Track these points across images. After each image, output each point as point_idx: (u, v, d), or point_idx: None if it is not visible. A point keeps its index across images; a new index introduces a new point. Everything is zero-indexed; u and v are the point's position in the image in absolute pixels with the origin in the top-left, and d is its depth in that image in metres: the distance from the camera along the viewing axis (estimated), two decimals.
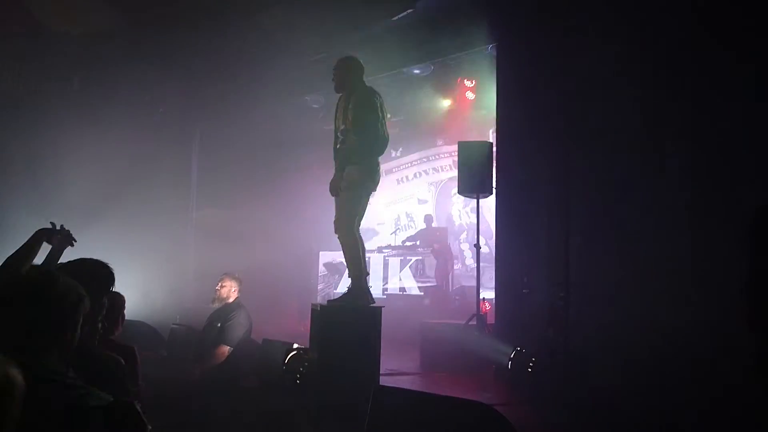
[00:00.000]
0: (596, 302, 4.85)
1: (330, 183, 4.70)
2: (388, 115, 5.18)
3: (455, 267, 10.69)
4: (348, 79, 4.80)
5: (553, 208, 5.34)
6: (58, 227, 3.05)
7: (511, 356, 5.45)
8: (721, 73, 3.93)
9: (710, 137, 3.87)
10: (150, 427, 1.73)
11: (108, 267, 2.61)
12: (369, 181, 4.67)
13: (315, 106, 9.61)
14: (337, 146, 4.77)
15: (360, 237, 4.71)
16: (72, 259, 2.63)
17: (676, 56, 4.29)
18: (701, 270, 3.69)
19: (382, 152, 4.74)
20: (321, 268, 11.04)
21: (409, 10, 7.12)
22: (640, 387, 4.15)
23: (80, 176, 7.98)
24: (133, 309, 3.72)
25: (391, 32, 7.40)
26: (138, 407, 1.76)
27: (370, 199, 4.77)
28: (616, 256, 4.70)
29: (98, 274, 2.55)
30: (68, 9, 8.13)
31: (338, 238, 4.70)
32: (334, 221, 4.70)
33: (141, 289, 7.27)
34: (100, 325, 2.54)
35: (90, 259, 2.58)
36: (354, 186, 4.61)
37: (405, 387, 4.79)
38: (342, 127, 4.73)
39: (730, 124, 3.70)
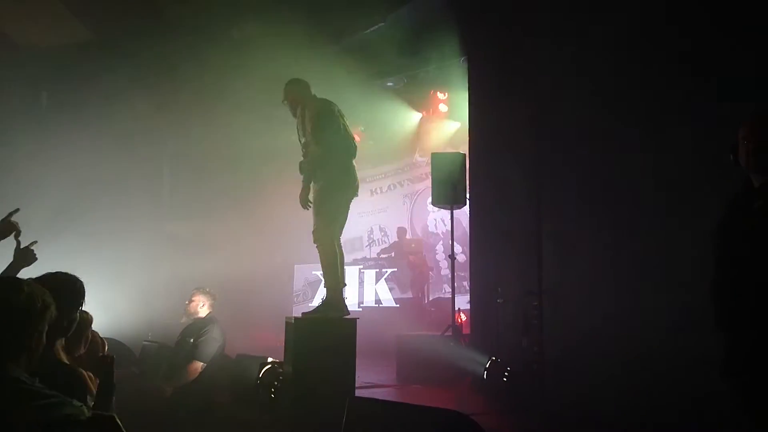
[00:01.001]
0: (570, 310, 4.89)
1: (299, 196, 4.70)
2: (361, 128, 5.21)
3: (431, 277, 10.71)
4: (298, 97, 4.87)
5: (526, 217, 5.39)
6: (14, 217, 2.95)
7: (487, 366, 5.46)
8: (694, 71, 4.00)
9: (682, 140, 3.94)
10: None
11: (80, 281, 2.57)
12: (344, 187, 4.66)
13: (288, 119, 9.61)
14: (303, 159, 4.79)
15: (340, 247, 4.68)
16: (42, 272, 2.57)
17: (649, 57, 4.37)
18: (676, 273, 3.74)
19: (351, 155, 4.74)
20: (298, 282, 10.96)
21: (380, 24, 7.17)
22: (615, 393, 4.18)
23: (49, 190, 7.84)
24: (103, 325, 3.64)
25: (364, 46, 7.45)
26: (118, 420, 1.75)
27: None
28: (589, 262, 4.75)
29: (70, 288, 2.50)
30: (35, 22, 8.01)
31: (317, 247, 4.66)
32: (313, 231, 4.67)
33: (112, 305, 7.13)
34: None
35: (62, 272, 2.54)
36: (329, 194, 4.60)
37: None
38: (304, 140, 4.77)
39: (704, 123, 3.76)
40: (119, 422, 1.81)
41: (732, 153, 2.63)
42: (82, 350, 3.21)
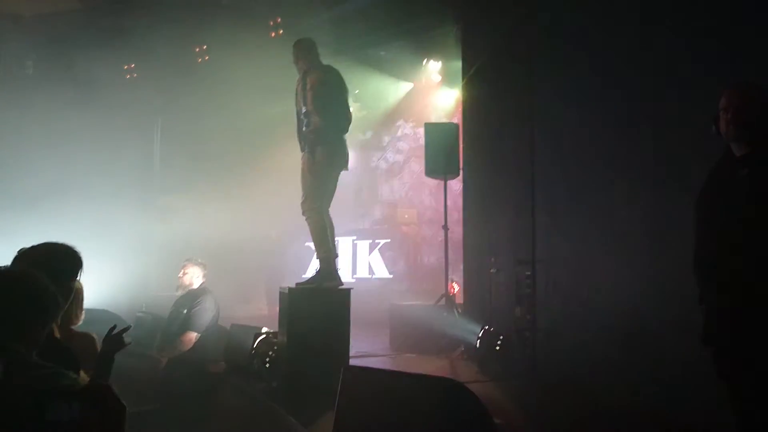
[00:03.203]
0: (563, 279, 4.92)
1: (302, 166, 4.67)
2: (356, 91, 5.16)
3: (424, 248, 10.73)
4: (302, 59, 4.80)
5: (519, 187, 5.38)
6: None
7: (480, 335, 5.51)
8: (689, 59, 3.97)
9: (677, 112, 3.92)
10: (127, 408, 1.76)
11: (76, 252, 2.53)
12: (336, 160, 4.64)
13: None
14: (302, 129, 4.73)
15: (329, 218, 4.68)
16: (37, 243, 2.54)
17: (649, 34, 4.32)
18: (668, 243, 3.75)
19: (345, 130, 4.71)
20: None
21: None
22: (607, 361, 4.22)
23: (38, 162, 7.76)
24: (97, 297, 3.64)
25: (356, 13, 7.33)
26: (114, 389, 1.77)
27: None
28: (583, 232, 4.75)
29: (67, 259, 2.47)
30: None
31: (306, 219, 4.66)
32: (301, 203, 4.66)
33: (105, 277, 7.12)
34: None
35: (59, 243, 2.50)
36: (319, 166, 4.58)
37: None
38: (303, 109, 4.70)
39: (691, 105, 3.74)
40: (115, 391, 1.82)
41: (714, 124, 2.65)
42: (80, 320, 3.21)
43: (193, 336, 5.18)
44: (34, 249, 2.45)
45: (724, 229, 2.55)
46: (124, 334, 2.55)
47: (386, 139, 11.98)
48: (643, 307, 4.00)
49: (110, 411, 1.77)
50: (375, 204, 11.80)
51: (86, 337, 3.10)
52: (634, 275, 4.18)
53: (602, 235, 4.56)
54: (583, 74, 4.70)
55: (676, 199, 3.32)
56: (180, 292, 5.60)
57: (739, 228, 2.49)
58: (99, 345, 3.03)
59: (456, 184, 7.74)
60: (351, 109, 4.82)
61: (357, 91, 9.57)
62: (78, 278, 2.54)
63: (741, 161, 2.55)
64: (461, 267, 7.29)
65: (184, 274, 5.59)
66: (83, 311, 3.25)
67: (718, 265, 2.57)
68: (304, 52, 4.81)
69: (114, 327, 2.54)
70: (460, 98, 7.60)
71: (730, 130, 2.56)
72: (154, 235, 9.35)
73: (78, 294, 3.22)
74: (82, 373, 2.36)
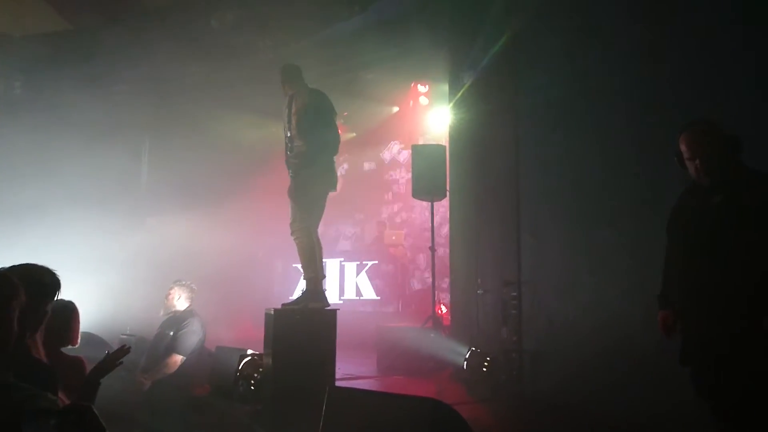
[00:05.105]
0: (548, 300, 4.94)
1: (288, 191, 4.70)
2: (345, 114, 5.22)
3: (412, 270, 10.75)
4: (288, 84, 4.86)
5: (505, 209, 5.42)
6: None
7: (467, 357, 5.50)
8: (672, 59, 4.05)
9: (658, 131, 3.98)
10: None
11: (54, 273, 2.50)
12: (324, 182, 4.67)
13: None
14: (288, 153, 4.77)
15: (318, 239, 4.69)
16: (16, 263, 2.52)
17: (627, 46, 4.40)
18: (652, 263, 3.78)
19: (334, 152, 4.75)
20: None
21: (362, 14, 7.14)
22: (593, 382, 4.23)
23: (23, 181, 7.71)
24: (82, 320, 3.60)
25: (345, 36, 7.41)
26: (95, 410, 1.74)
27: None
28: (567, 253, 4.79)
29: (42, 280, 2.45)
30: (9, 12, 7.85)
31: (294, 240, 4.67)
32: (290, 223, 4.68)
33: (89, 298, 7.05)
34: (41, 333, 2.45)
35: (34, 264, 2.47)
36: (308, 188, 4.61)
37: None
38: (289, 134, 4.75)
39: (671, 129, 3.81)
40: (95, 412, 1.79)
41: (676, 157, 2.74)
42: (76, 343, 3.19)
43: (178, 359, 5.12)
44: (11, 269, 2.43)
45: (697, 254, 2.61)
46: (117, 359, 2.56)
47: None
48: (627, 326, 4.02)
49: None
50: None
51: (75, 361, 3.08)
52: (618, 295, 4.21)
53: (586, 255, 4.60)
54: (567, 97, 4.78)
55: (657, 220, 3.37)
56: (166, 315, 5.55)
57: (712, 253, 2.55)
58: (88, 368, 3.04)
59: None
60: (339, 131, 4.88)
61: (346, 114, 9.66)
62: (55, 299, 2.50)
63: (712, 189, 2.63)
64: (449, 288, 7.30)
65: (170, 295, 5.55)
66: (78, 334, 3.24)
67: (693, 288, 2.63)
68: (290, 76, 4.87)
69: (109, 352, 2.55)
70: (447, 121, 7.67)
71: (701, 176, 2.65)
72: (140, 257, 9.28)
73: (72, 315, 3.21)
74: (61, 395, 2.34)
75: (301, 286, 4.76)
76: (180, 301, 5.56)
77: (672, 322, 2.76)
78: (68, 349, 3.21)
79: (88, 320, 5.85)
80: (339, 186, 4.90)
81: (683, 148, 2.69)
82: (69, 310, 3.24)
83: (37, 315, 2.36)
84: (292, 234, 4.67)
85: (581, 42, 4.73)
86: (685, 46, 3.97)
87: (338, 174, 4.85)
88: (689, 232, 2.67)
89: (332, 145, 4.73)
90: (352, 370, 6.15)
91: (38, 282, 2.38)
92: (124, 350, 2.82)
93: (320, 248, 4.70)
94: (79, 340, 3.26)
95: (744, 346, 2.41)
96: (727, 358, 2.46)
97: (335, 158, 4.81)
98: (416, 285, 10.72)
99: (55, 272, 2.50)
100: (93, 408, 1.77)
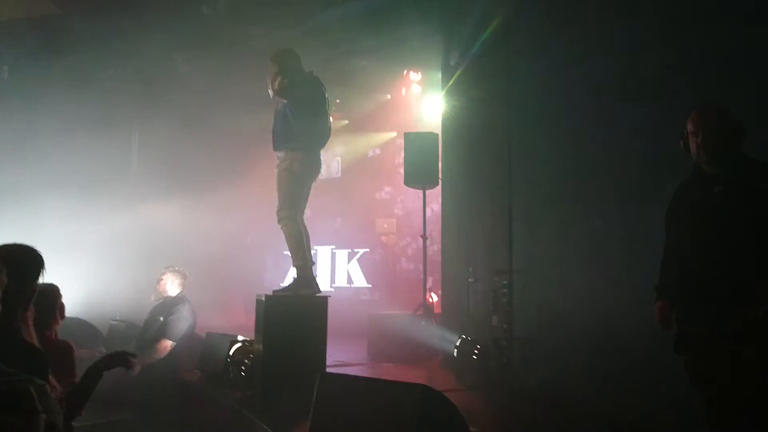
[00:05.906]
0: (539, 288, 4.95)
1: (276, 175, 4.64)
2: (334, 107, 5.19)
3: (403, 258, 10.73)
4: (281, 69, 4.71)
5: (496, 197, 5.42)
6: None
7: (457, 344, 5.52)
8: (670, 48, 4.04)
9: (653, 119, 3.98)
10: (43, 414, 1.63)
11: (36, 251, 2.46)
12: (310, 170, 4.66)
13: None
14: (278, 138, 4.70)
15: (304, 226, 4.68)
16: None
17: (622, 51, 4.39)
18: (645, 252, 3.80)
19: (322, 140, 4.73)
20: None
21: (353, 0, 7.08)
22: (583, 371, 4.25)
23: (12, 166, 7.64)
24: (71, 305, 3.58)
25: (336, 23, 7.35)
26: (32, 390, 1.62)
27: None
28: (559, 241, 4.80)
29: (24, 258, 2.41)
30: None
31: (281, 227, 4.65)
32: (277, 211, 4.66)
33: (78, 284, 7.02)
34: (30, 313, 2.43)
35: (14, 243, 2.44)
36: (294, 175, 4.58)
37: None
38: (277, 121, 4.68)
39: (665, 117, 3.81)
40: (33, 392, 1.67)
41: (682, 141, 2.78)
42: (59, 323, 3.18)
43: (168, 344, 5.12)
44: None
45: (699, 244, 2.63)
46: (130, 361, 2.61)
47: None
48: (618, 316, 4.04)
49: (25, 414, 1.64)
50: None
51: (63, 345, 3.08)
52: (609, 284, 4.23)
53: (578, 244, 4.62)
54: (559, 85, 4.77)
55: (650, 208, 3.38)
56: (157, 300, 5.55)
57: (713, 243, 2.57)
58: (77, 352, 3.04)
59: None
60: (330, 119, 4.84)
61: (338, 101, 9.59)
62: (40, 279, 2.47)
63: (713, 179, 2.63)
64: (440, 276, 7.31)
65: (161, 281, 5.54)
66: (62, 313, 3.23)
67: (693, 278, 2.64)
68: (283, 61, 4.79)
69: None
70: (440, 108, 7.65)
71: (700, 154, 2.68)
72: (129, 243, 9.24)
73: (51, 297, 3.19)
74: (51, 380, 2.32)
75: (292, 273, 4.75)
76: (171, 287, 5.56)
77: (669, 313, 2.76)
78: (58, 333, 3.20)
79: (78, 306, 5.86)
80: (324, 172, 4.86)
81: (689, 125, 2.73)
82: (52, 292, 3.21)
83: (24, 295, 2.35)
84: (278, 222, 4.66)
85: (574, 28, 4.71)
86: (684, 31, 3.96)
87: (337, 160, 4.83)
88: (690, 222, 2.68)
89: (320, 133, 4.70)
90: (342, 356, 6.16)
91: (20, 261, 2.35)
92: (136, 360, 2.90)
93: (308, 235, 4.69)
94: (61, 322, 3.24)
95: (744, 335, 2.42)
96: (726, 346, 2.48)
97: (327, 144, 4.78)
98: (405, 265, 10.65)
99: (37, 249, 2.46)
100: (30, 388, 1.65)
